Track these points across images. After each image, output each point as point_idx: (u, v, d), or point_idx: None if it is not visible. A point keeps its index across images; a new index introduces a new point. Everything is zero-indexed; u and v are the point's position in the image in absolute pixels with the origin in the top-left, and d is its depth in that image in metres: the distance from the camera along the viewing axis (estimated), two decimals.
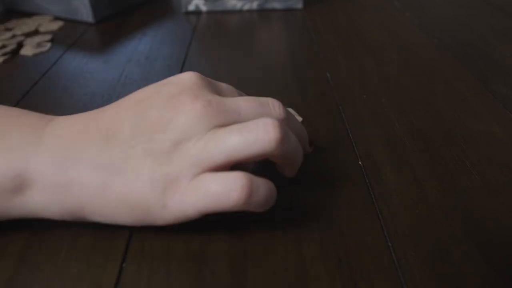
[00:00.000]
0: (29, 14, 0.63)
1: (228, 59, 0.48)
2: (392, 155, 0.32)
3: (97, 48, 0.52)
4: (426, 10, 0.62)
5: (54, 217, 0.24)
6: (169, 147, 0.22)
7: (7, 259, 0.24)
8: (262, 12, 0.63)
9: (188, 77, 0.25)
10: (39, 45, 0.52)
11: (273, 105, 0.25)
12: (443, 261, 0.24)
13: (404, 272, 0.23)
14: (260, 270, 0.23)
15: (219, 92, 0.26)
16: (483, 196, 0.28)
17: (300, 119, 0.36)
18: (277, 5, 0.63)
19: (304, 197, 0.28)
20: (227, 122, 0.23)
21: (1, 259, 0.24)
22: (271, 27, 0.57)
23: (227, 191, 0.22)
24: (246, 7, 0.63)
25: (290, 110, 0.38)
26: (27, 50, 0.51)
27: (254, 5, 0.63)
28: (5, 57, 0.50)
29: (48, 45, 0.53)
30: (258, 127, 0.22)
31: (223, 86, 0.27)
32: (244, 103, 0.24)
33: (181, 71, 0.46)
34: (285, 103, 0.39)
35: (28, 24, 0.59)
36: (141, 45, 0.52)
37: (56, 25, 0.59)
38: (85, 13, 0.59)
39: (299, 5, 0.63)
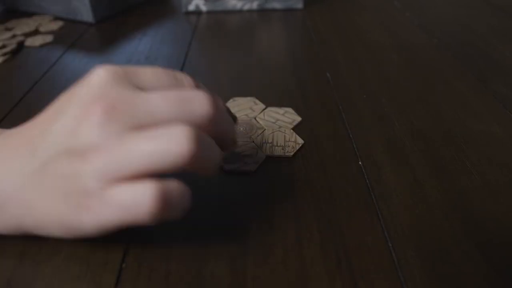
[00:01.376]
0: (29, 14, 0.63)
1: (228, 59, 0.48)
2: (392, 155, 0.32)
3: (97, 48, 0.52)
4: (426, 10, 0.62)
5: (2, 232, 0.24)
6: (76, 161, 0.21)
7: (7, 259, 0.24)
8: (262, 12, 0.63)
9: (96, 76, 0.22)
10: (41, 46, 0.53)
11: (199, 102, 0.22)
12: (443, 261, 0.24)
13: (404, 272, 0.23)
14: (260, 270, 0.23)
15: (139, 83, 0.23)
16: (483, 196, 0.28)
17: (299, 119, 0.36)
18: (277, 5, 0.63)
19: (304, 197, 0.28)
20: (137, 124, 0.21)
21: (1, 259, 0.24)
22: (271, 27, 0.57)
23: (138, 205, 0.20)
24: (246, 7, 0.63)
25: (290, 110, 0.38)
26: (35, 41, 0.51)
27: (254, 5, 0.63)
28: (5, 57, 0.50)
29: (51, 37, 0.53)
30: (170, 138, 0.20)
31: (147, 73, 0.24)
32: (161, 100, 0.22)
33: (181, 70, 0.46)
34: (285, 103, 0.39)
35: (28, 24, 0.59)
36: (141, 45, 0.52)
37: (56, 25, 0.59)
38: (85, 13, 0.59)
39: (299, 5, 0.63)
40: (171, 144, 0.20)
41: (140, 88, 0.23)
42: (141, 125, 0.21)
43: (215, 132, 0.23)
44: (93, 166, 0.20)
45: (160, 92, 0.22)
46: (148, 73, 0.24)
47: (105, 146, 0.20)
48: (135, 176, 0.20)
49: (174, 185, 0.21)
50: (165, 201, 0.20)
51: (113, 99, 0.21)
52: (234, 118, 0.29)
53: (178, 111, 0.22)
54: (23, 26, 0.58)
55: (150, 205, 0.20)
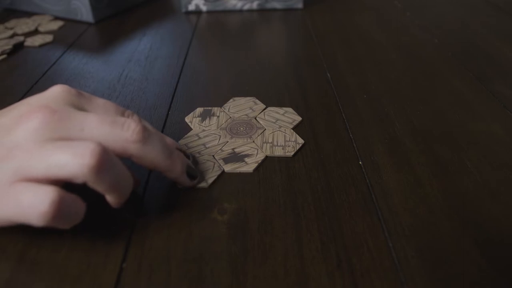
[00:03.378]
0: (29, 14, 0.63)
1: (228, 59, 0.48)
2: (392, 155, 0.32)
3: (97, 48, 0.52)
4: (427, 10, 0.62)
5: None
6: (1, 154, 0.23)
7: (7, 259, 0.24)
8: (262, 12, 0.63)
9: (51, 90, 0.25)
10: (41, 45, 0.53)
11: (129, 126, 0.24)
12: (443, 261, 0.24)
13: (404, 272, 0.23)
14: (260, 270, 0.23)
15: (87, 108, 0.26)
16: (483, 196, 0.28)
17: (299, 118, 0.36)
18: (277, 5, 0.63)
19: (303, 197, 0.28)
20: (67, 136, 0.23)
21: (1, 259, 0.24)
22: (271, 27, 0.57)
23: (34, 205, 0.21)
24: (246, 7, 0.63)
25: (290, 110, 0.38)
26: (34, 41, 0.51)
27: (254, 5, 0.63)
28: (5, 56, 0.49)
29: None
30: (76, 150, 0.22)
31: (99, 102, 0.26)
32: (94, 120, 0.24)
33: (181, 71, 0.46)
34: (285, 103, 0.39)
35: (28, 24, 0.59)
36: (141, 45, 0.52)
37: (56, 25, 0.59)
38: (85, 13, 0.59)
39: (299, 5, 0.63)
40: (74, 155, 0.22)
41: (86, 111, 0.25)
42: (70, 138, 0.23)
43: (141, 159, 0.25)
44: (12, 162, 0.22)
45: (97, 115, 0.24)
46: (100, 103, 0.26)
47: (28, 147, 0.22)
48: (44, 180, 0.22)
49: (72, 198, 0.22)
50: (59, 210, 0.21)
51: (55, 111, 0.23)
52: (187, 155, 0.30)
53: (108, 132, 0.24)
54: (22, 25, 0.58)
55: (44, 209, 0.21)
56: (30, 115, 0.23)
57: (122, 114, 0.27)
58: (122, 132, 0.24)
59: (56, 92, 0.25)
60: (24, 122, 0.23)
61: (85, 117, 0.24)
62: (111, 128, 0.24)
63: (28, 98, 0.26)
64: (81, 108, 0.25)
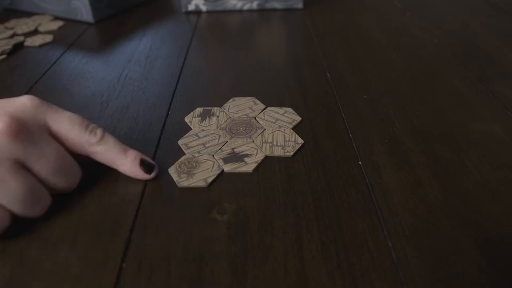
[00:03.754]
0: (29, 14, 0.63)
1: (228, 59, 0.48)
2: (392, 155, 0.32)
3: (97, 48, 0.52)
4: (427, 10, 0.62)
5: None
6: None
7: (7, 259, 0.24)
8: (262, 12, 0.63)
9: (20, 100, 0.27)
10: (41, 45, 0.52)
11: (92, 130, 0.28)
12: (443, 261, 0.24)
13: (404, 272, 0.23)
14: (260, 270, 0.23)
15: (50, 123, 0.27)
16: (483, 196, 0.28)
17: (299, 118, 0.36)
18: (277, 5, 0.63)
19: (303, 197, 0.28)
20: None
21: (1, 259, 0.24)
22: (271, 27, 0.57)
23: None
24: (246, 7, 0.63)
25: (290, 109, 0.38)
26: (34, 41, 0.51)
27: (254, 5, 0.63)
28: (5, 56, 0.49)
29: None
30: None
31: (65, 116, 0.28)
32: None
33: (181, 71, 0.46)
34: (285, 103, 0.39)
35: (28, 24, 0.59)
36: (141, 45, 0.52)
37: (55, 25, 0.59)
38: (85, 13, 0.59)
39: (299, 5, 0.63)
40: None
41: (48, 127, 0.27)
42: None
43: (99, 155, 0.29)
44: None
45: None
46: (66, 117, 0.28)
47: None
48: None
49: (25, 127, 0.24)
50: (17, 126, 0.24)
51: (15, 124, 0.24)
52: (152, 164, 0.30)
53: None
54: (22, 25, 0.58)
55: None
56: None
57: (87, 127, 0.28)
58: (86, 133, 0.28)
59: (23, 103, 0.26)
60: None
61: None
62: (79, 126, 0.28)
63: None
64: (41, 125, 0.27)
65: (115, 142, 0.29)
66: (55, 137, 0.27)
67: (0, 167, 0.23)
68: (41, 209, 0.26)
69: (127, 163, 0.29)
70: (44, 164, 0.25)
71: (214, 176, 0.30)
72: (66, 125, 0.27)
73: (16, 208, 0.24)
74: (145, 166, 0.30)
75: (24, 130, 0.25)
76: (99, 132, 0.28)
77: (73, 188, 0.28)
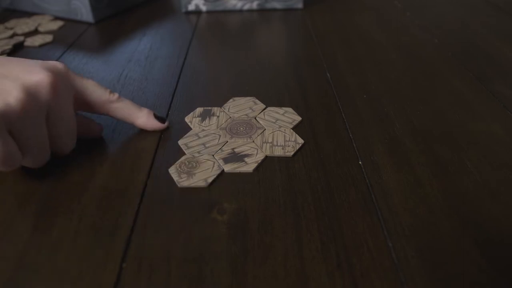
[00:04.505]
0: (29, 14, 0.63)
1: (228, 59, 0.48)
2: (392, 155, 0.32)
3: (97, 48, 0.52)
4: (427, 10, 0.62)
5: None
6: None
7: (7, 259, 0.24)
8: (262, 12, 0.63)
9: (54, 62, 0.30)
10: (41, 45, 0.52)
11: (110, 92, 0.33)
12: (443, 261, 0.24)
13: (404, 272, 0.23)
14: (260, 270, 0.23)
15: (77, 83, 0.31)
16: (483, 196, 0.28)
17: (299, 118, 0.36)
18: (277, 5, 0.63)
19: (303, 197, 0.28)
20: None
21: (1, 259, 0.24)
22: (271, 27, 0.57)
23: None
24: (246, 7, 0.63)
25: (290, 109, 0.38)
26: (34, 41, 0.51)
27: (254, 5, 0.63)
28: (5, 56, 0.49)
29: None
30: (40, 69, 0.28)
31: (88, 80, 0.32)
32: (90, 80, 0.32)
33: (181, 71, 0.46)
34: (285, 103, 0.39)
35: (28, 24, 0.59)
36: (141, 45, 0.52)
37: (55, 25, 0.59)
38: (85, 13, 0.59)
39: (299, 5, 0.63)
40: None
41: (75, 88, 0.31)
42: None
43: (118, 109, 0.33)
44: None
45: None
46: (90, 81, 0.32)
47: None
48: None
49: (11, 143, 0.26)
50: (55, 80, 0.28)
51: (57, 79, 0.28)
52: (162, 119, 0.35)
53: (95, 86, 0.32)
54: (22, 25, 0.58)
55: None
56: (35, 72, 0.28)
57: (106, 89, 0.33)
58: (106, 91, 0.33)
59: (57, 66, 0.30)
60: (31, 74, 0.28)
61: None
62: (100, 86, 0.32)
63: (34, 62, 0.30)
64: (72, 86, 0.31)
65: (130, 101, 0.34)
66: (79, 98, 0.31)
67: (39, 113, 0.27)
68: (40, 161, 0.29)
69: (143, 115, 0.34)
70: (63, 119, 0.29)
71: (214, 176, 0.30)
72: (91, 87, 0.32)
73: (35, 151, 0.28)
74: (158, 118, 0.35)
75: (62, 86, 0.29)
76: (116, 93, 0.33)
77: (66, 154, 0.31)
